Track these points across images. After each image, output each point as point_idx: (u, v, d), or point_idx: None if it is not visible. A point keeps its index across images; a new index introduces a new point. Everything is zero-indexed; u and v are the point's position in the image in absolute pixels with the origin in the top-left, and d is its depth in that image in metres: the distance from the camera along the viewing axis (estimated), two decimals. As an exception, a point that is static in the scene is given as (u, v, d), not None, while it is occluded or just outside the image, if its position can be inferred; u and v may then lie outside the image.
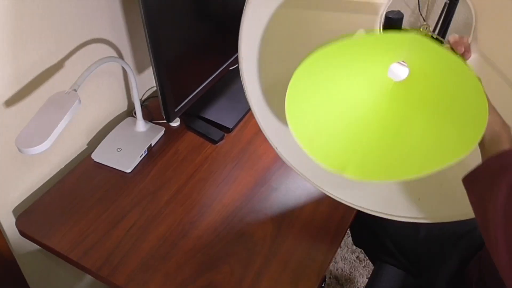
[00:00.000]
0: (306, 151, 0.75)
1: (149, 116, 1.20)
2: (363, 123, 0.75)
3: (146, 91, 1.30)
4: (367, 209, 0.88)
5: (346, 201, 0.90)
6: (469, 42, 0.82)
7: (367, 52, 0.70)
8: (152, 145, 1.13)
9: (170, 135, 1.17)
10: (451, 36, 0.83)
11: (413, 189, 0.87)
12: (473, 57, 0.83)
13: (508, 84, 0.79)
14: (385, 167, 0.75)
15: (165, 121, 1.07)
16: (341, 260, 1.71)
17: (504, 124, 0.68)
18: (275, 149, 0.89)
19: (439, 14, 1.51)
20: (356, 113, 0.75)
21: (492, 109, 0.68)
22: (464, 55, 0.81)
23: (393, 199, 0.88)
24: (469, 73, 0.63)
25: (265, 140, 0.90)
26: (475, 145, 0.66)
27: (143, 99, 1.27)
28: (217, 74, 1.17)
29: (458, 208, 0.81)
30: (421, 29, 0.89)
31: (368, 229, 1.12)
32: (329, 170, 0.76)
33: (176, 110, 1.06)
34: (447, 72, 0.67)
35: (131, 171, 1.07)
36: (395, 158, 0.75)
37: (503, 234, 0.60)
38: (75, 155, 1.13)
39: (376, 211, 0.88)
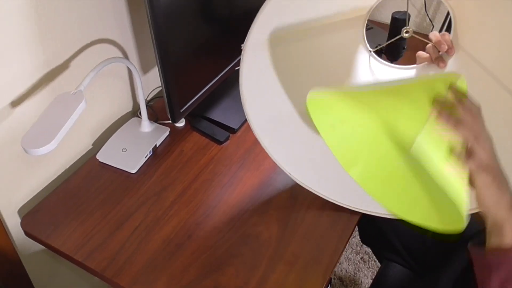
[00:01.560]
0: (322, 135, 0.74)
1: (154, 117, 1.20)
2: (387, 149, 0.74)
3: (151, 91, 1.29)
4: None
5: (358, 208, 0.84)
6: (450, 39, 0.82)
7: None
8: (157, 146, 1.13)
9: (175, 136, 1.16)
10: (432, 34, 0.83)
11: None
12: (458, 53, 0.82)
13: (494, 79, 0.78)
14: (384, 193, 0.77)
15: (170, 121, 1.07)
16: (346, 261, 1.71)
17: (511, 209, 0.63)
18: (288, 173, 0.82)
19: (445, 14, 1.50)
20: (384, 139, 0.74)
21: (498, 187, 0.64)
22: (448, 53, 0.81)
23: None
24: None
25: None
26: (454, 232, 0.67)
27: (148, 99, 1.27)
28: (222, 75, 1.17)
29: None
30: (404, 33, 0.88)
31: (376, 227, 1.11)
32: (339, 161, 0.77)
33: (181, 110, 1.06)
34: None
35: (136, 172, 1.07)
36: (393, 192, 0.76)
37: None
38: (80, 156, 1.13)
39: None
